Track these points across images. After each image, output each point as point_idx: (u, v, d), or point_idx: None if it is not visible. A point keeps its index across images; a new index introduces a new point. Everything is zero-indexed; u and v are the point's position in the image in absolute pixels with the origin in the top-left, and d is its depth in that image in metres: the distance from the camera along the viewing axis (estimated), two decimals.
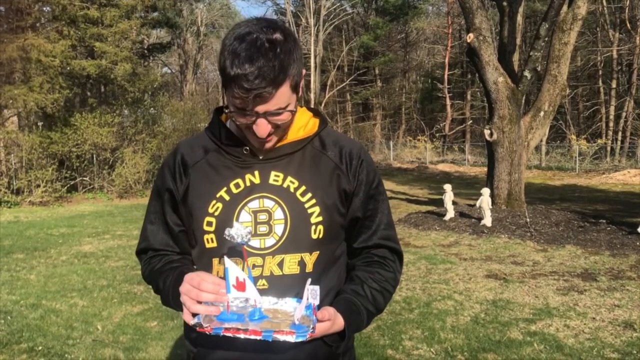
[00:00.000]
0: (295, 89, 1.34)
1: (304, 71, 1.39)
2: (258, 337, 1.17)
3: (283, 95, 1.30)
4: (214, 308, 1.25)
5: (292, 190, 1.41)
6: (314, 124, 1.51)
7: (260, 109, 1.29)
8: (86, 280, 6.59)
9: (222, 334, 1.19)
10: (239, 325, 1.21)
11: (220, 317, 1.25)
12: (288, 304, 1.29)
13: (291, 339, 1.16)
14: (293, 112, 1.36)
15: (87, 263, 7.62)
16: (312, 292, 1.21)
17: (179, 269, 1.42)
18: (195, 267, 1.49)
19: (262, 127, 1.32)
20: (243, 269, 1.32)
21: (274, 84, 1.26)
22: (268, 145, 1.40)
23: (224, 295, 1.26)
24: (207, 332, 1.20)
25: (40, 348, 4.37)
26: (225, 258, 1.30)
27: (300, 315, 1.21)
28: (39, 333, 4.72)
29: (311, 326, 1.19)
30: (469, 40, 11.01)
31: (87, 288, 6.23)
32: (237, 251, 1.35)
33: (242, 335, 1.18)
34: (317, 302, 1.22)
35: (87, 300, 5.73)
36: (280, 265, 1.38)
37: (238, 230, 1.26)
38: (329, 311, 1.28)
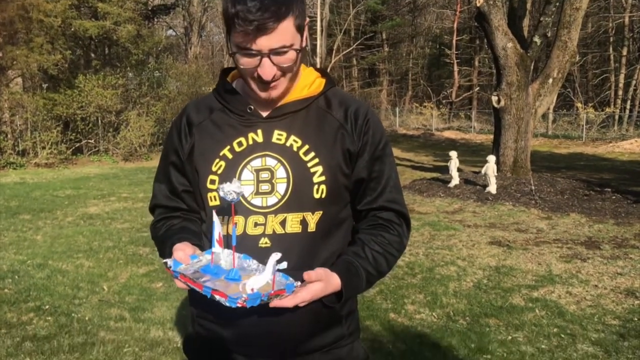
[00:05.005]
0: (299, 29, 1.32)
1: (307, 19, 1.37)
2: (199, 290, 1.20)
3: (286, 31, 1.28)
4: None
5: (295, 149, 1.40)
6: (319, 84, 1.49)
7: (264, 45, 1.27)
8: (92, 242, 6.64)
9: (178, 278, 1.24)
10: (207, 277, 1.23)
11: (204, 268, 1.27)
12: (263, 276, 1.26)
13: (224, 301, 1.16)
14: (298, 52, 1.33)
15: (92, 225, 7.67)
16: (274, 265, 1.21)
17: (175, 238, 1.43)
18: (203, 224, 1.49)
19: (266, 68, 1.30)
20: (228, 227, 1.35)
21: (277, 16, 1.25)
22: (273, 93, 1.37)
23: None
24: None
25: (47, 307, 4.43)
26: (214, 213, 1.32)
27: (259, 285, 1.19)
28: (46, 292, 4.78)
29: (266, 293, 1.17)
30: (478, 5, 10.81)
31: (92, 249, 6.29)
32: (230, 207, 1.34)
33: (191, 286, 1.22)
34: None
35: (93, 261, 5.79)
36: (283, 224, 1.37)
37: (230, 187, 1.26)
38: (317, 272, 1.27)
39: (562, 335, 3.86)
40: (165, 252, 1.41)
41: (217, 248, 1.31)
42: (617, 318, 4.17)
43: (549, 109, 20.56)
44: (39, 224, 7.73)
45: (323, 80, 1.50)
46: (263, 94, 1.37)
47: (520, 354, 3.57)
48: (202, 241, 1.45)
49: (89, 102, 16.54)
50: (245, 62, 1.31)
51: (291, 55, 1.31)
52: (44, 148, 15.60)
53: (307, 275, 1.25)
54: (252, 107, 1.43)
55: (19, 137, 15.83)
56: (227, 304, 1.15)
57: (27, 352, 3.59)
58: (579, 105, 24.06)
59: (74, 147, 16.71)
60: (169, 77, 20.45)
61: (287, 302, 1.22)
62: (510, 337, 3.84)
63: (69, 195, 10.34)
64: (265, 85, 1.34)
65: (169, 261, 1.27)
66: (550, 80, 11.36)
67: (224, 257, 1.30)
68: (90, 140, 17.39)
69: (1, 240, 6.70)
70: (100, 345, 3.72)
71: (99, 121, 17.29)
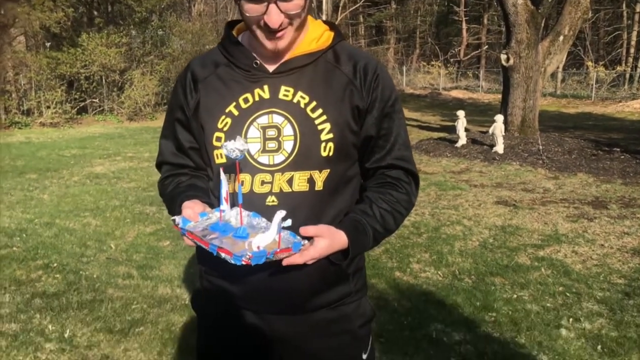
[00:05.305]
0: None
1: None
2: (206, 247, 1.20)
3: None
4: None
5: (302, 105, 1.35)
6: (328, 37, 1.43)
7: None
8: (99, 201, 6.67)
9: (186, 235, 1.24)
10: (215, 235, 1.22)
11: (212, 226, 1.26)
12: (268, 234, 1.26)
13: (229, 258, 1.15)
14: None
15: (99, 184, 7.69)
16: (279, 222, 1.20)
17: (183, 196, 1.41)
18: (210, 182, 1.48)
19: (273, 16, 1.25)
20: (234, 185, 1.32)
21: None
22: (280, 44, 1.32)
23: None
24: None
25: (55, 265, 4.47)
26: (221, 170, 1.30)
27: (265, 242, 1.19)
28: (54, 250, 4.82)
29: (272, 251, 1.17)
30: None
31: (99, 208, 6.32)
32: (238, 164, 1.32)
33: (198, 244, 1.22)
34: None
35: (100, 220, 5.82)
36: (290, 182, 1.34)
37: (233, 145, 1.23)
38: (317, 228, 1.26)
39: (568, 294, 3.87)
40: (175, 209, 1.39)
41: (225, 206, 1.29)
42: (622, 277, 4.17)
43: (558, 67, 20.25)
44: (45, 183, 7.75)
45: (331, 34, 1.44)
46: (269, 45, 1.32)
47: (526, 312, 3.58)
48: (211, 199, 1.43)
49: (92, 61, 16.41)
50: (251, 9, 1.26)
51: (299, 1, 1.26)
52: (48, 107, 15.56)
53: (303, 230, 1.23)
54: (258, 61, 1.38)
55: (24, 96, 15.78)
56: (232, 262, 1.15)
57: (37, 309, 3.64)
58: (589, 63, 23.68)
59: (78, 107, 16.66)
60: (173, 35, 20.18)
61: (297, 259, 1.21)
62: (515, 296, 3.85)
63: (75, 155, 10.36)
64: (271, 34, 1.29)
65: (177, 218, 1.26)
66: (561, 38, 11.14)
67: (233, 215, 1.29)
68: (94, 100, 17.31)
69: (9, 199, 6.74)
70: (109, 302, 3.76)
71: (103, 80, 17.18)
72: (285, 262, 1.20)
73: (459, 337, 3.26)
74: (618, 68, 23.47)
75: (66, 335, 3.28)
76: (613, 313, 3.56)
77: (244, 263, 1.14)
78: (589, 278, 4.15)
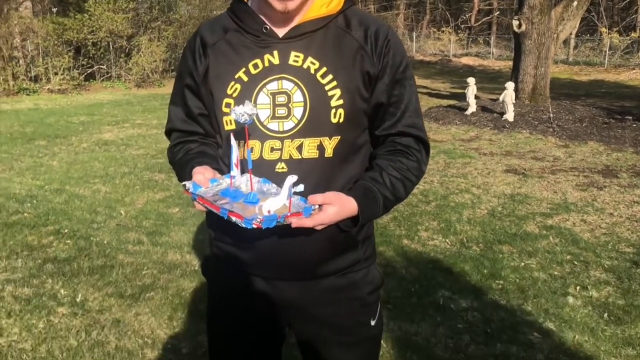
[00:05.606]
0: None
1: None
2: (217, 212, 1.20)
3: None
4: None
5: (312, 71, 1.33)
6: (339, 2, 1.40)
7: None
8: (108, 168, 6.70)
9: (197, 200, 1.24)
10: (226, 200, 1.22)
11: (223, 192, 1.27)
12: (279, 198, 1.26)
13: (240, 222, 1.16)
14: None
15: (108, 151, 7.72)
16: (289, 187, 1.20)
17: (194, 162, 1.40)
18: (220, 149, 1.47)
19: None
20: (244, 151, 1.31)
21: None
22: (290, 5, 1.29)
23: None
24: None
25: (66, 231, 4.52)
26: (232, 136, 1.29)
27: (275, 207, 1.19)
28: (65, 217, 4.87)
29: (282, 215, 1.17)
30: None
31: (109, 175, 6.35)
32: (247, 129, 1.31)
33: (209, 208, 1.23)
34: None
35: (110, 187, 5.86)
36: (300, 149, 1.33)
37: (242, 110, 1.21)
38: (325, 196, 1.25)
39: (575, 263, 3.88)
40: (185, 176, 1.39)
41: (235, 172, 1.29)
42: (631, 246, 4.16)
43: (571, 34, 19.88)
44: (54, 150, 7.79)
45: None
46: (279, 5, 1.29)
47: (533, 280, 3.60)
48: (221, 166, 1.43)
49: (99, 27, 16.28)
50: None
51: None
52: (56, 74, 15.52)
53: (312, 198, 1.22)
54: (268, 27, 1.36)
55: (31, 62, 15.73)
56: (244, 226, 1.15)
57: (49, 274, 3.69)
58: (603, 30, 23.20)
59: (86, 73, 16.60)
60: (180, 0, 19.93)
61: (307, 222, 1.21)
62: (523, 264, 3.86)
63: (84, 122, 10.37)
64: None
65: (188, 184, 1.27)
66: (575, 4, 10.90)
67: (244, 181, 1.29)
68: (102, 66, 17.24)
69: (19, 166, 6.79)
70: (120, 268, 3.81)
71: (111, 46, 17.07)
72: (294, 224, 1.19)
73: (467, 305, 3.28)
74: (632, 35, 22.98)
75: (78, 300, 3.33)
76: (621, 282, 3.57)
77: (255, 227, 1.14)
78: (597, 247, 4.15)
